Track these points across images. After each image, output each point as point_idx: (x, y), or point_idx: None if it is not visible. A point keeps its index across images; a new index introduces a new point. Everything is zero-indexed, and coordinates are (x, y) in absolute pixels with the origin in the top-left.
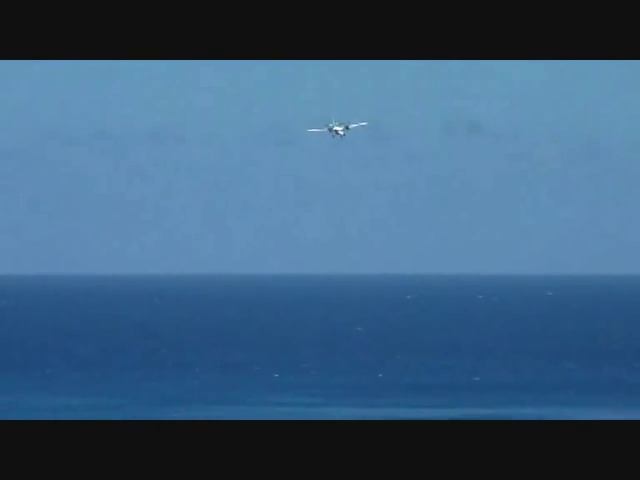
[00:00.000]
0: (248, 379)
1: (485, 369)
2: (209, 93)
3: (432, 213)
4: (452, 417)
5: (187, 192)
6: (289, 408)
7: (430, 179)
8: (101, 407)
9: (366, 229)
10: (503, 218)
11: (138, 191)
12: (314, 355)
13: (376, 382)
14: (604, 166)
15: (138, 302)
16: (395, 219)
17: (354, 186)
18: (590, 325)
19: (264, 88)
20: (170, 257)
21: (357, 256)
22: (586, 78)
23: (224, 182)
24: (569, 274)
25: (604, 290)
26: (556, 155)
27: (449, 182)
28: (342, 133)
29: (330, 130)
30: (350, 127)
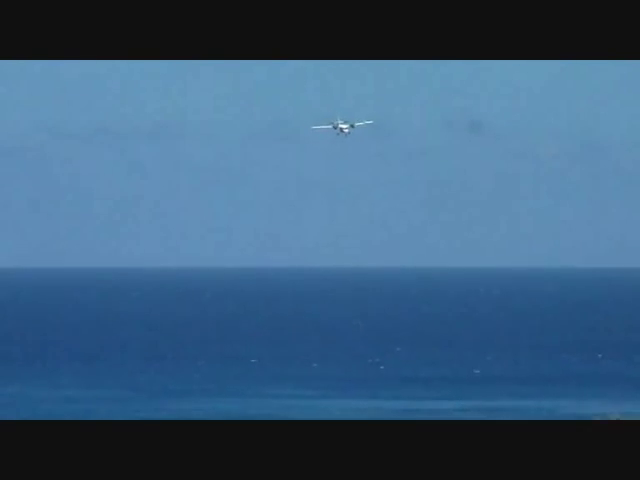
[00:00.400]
0: (248, 371)
1: (485, 362)
2: (212, 91)
3: (434, 208)
4: (453, 409)
5: (189, 187)
6: (289, 400)
7: (432, 176)
8: (102, 399)
9: (368, 224)
10: (504, 214)
11: (139, 187)
12: (314, 348)
13: (377, 374)
14: (604, 164)
15: (139, 296)
16: (397, 214)
17: (356, 182)
18: (591, 318)
19: (268, 87)
20: (171, 251)
21: (359, 250)
22: (586, 78)
23: (227, 177)
24: (569, 267)
25: (604, 283)
26: (556, 153)
27: (451, 179)
28: (347, 131)
29: (335, 127)
30: (356, 125)
